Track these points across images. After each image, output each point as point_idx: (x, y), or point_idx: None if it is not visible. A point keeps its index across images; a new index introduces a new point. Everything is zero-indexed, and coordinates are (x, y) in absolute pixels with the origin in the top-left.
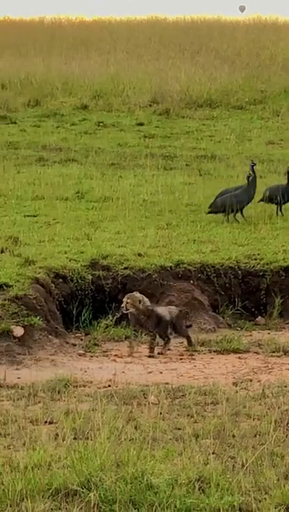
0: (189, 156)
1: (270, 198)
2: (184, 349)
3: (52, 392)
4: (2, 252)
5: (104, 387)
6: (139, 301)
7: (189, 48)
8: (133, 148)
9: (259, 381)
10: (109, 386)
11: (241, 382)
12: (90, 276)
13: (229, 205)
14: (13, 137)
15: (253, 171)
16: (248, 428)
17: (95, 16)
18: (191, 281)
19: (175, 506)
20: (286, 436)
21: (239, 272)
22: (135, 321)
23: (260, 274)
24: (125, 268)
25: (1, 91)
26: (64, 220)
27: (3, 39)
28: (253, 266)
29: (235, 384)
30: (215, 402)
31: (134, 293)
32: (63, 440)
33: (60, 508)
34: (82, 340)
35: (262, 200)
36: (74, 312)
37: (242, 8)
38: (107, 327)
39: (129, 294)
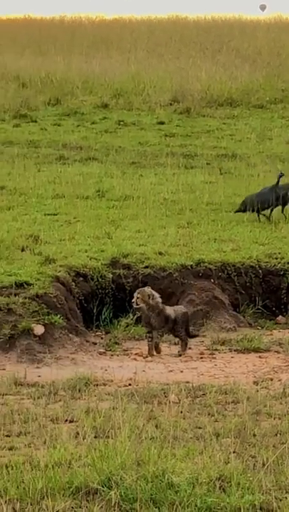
0: (210, 155)
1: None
2: (205, 348)
3: (72, 391)
4: (23, 250)
5: (125, 385)
6: (149, 297)
7: (210, 47)
8: (154, 147)
9: (280, 380)
10: (129, 385)
11: (262, 381)
12: (111, 275)
13: (250, 204)
14: (33, 136)
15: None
16: (268, 427)
17: (116, 15)
18: (212, 280)
19: (196, 505)
20: None
21: (260, 270)
22: (144, 318)
23: (281, 273)
24: (146, 267)
25: (21, 89)
26: (84, 218)
27: (23, 38)
28: (274, 265)
29: (255, 383)
30: (236, 401)
31: (145, 288)
32: (84, 439)
33: (80, 507)
34: (102, 338)
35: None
36: (94, 311)
37: (263, 7)
38: (127, 326)
39: (140, 289)
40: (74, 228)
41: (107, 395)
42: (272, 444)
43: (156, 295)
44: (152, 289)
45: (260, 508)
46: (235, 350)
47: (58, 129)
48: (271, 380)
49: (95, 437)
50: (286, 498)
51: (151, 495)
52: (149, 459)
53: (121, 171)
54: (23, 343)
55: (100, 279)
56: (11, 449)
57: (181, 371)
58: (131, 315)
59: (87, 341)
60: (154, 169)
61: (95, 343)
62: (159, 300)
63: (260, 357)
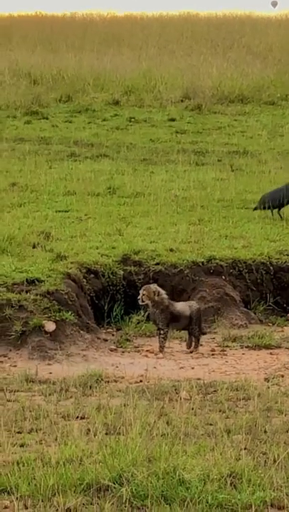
0: (221, 152)
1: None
2: (216, 345)
3: (83, 388)
4: (34, 247)
5: (136, 382)
6: (154, 293)
7: (221, 44)
8: (165, 144)
9: None
10: (140, 381)
11: (273, 378)
12: (122, 272)
13: (261, 201)
14: (44, 132)
15: None
16: (279, 424)
17: (127, 12)
18: (223, 277)
19: (207, 502)
20: None
21: (271, 267)
22: (151, 315)
23: None
24: (157, 263)
25: (33, 86)
26: (96, 215)
27: (35, 35)
28: (285, 261)
29: (266, 379)
30: (247, 397)
31: (151, 285)
32: (95, 435)
33: (91, 503)
34: (113, 335)
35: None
36: (105, 307)
37: (274, 4)
38: (138, 322)
39: (146, 285)
40: (85, 225)
41: (118, 391)
42: (283, 440)
43: (162, 292)
44: (163, 285)
45: (271, 505)
46: (246, 347)
47: (69, 125)
48: (282, 376)
49: (106, 434)
50: None
51: (162, 491)
52: (160, 455)
53: (132, 167)
54: (34, 339)
55: (111, 276)
56: (22, 445)
57: (192, 368)
58: (142, 312)
59: (98, 338)
60: (165, 166)
61: (106, 340)
62: (165, 297)
63: (271, 353)
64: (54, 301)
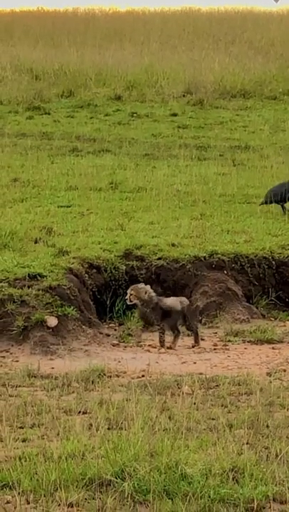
0: (223, 147)
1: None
2: (218, 340)
3: (86, 382)
4: (36, 242)
5: (138, 377)
6: (143, 292)
7: (223, 39)
8: (167, 139)
9: None
10: (143, 376)
11: (275, 373)
12: (124, 267)
13: (265, 196)
14: (46, 128)
15: None
16: (281, 418)
17: (129, 7)
18: (225, 272)
19: (209, 496)
20: None
21: (273, 262)
22: (141, 314)
23: None
24: (159, 258)
25: (35, 82)
26: (98, 210)
27: (37, 30)
28: (287, 256)
29: (269, 374)
30: (249, 392)
31: (138, 284)
32: (97, 430)
33: (94, 498)
34: (115, 330)
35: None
36: (108, 302)
37: None
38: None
39: (133, 285)
40: (87, 220)
41: (121, 386)
42: (285, 435)
43: (150, 290)
44: (165, 280)
45: (274, 499)
46: (248, 342)
47: (71, 121)
48: (284, 371)
49: (108, 429)
50: None
51: (165, 486)
52: (162, 450)
53: (134, 162)
54: (36, 334)
55: (113, 271)
56: (24, 440)
57: (195, 362)
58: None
59: (100, 333)
60: (167, 161)
61: (109, 335)
62: (153, 294)
63: (273, 348)
64: (56, 296)
